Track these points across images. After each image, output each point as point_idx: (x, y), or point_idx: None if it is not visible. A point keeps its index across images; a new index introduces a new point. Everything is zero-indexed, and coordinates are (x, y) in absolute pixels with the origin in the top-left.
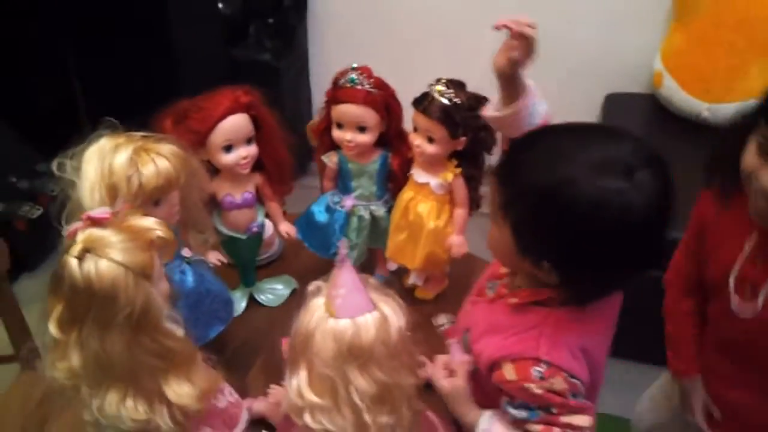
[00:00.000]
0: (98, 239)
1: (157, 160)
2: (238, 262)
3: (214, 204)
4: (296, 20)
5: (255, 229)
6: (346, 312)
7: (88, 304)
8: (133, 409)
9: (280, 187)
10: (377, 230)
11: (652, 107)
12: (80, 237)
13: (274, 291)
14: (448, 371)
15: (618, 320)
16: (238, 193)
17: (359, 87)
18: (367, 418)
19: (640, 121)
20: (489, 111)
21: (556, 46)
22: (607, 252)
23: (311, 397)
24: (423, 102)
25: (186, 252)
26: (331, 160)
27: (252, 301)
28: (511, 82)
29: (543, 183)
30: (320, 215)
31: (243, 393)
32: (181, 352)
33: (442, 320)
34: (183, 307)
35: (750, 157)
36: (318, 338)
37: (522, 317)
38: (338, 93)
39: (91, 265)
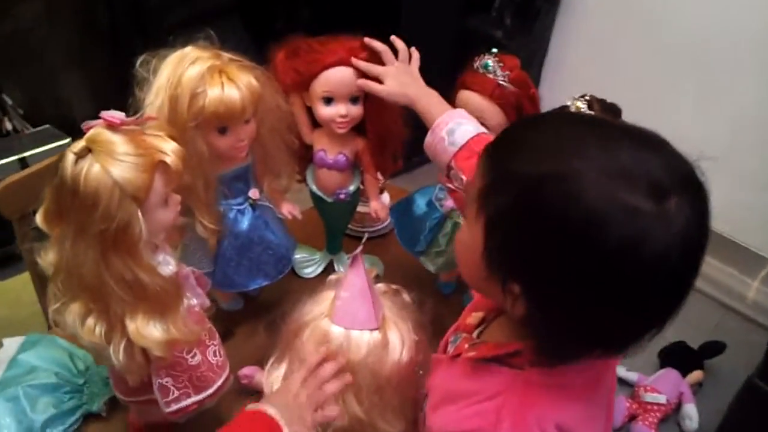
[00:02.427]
0: (102, 143)
1: (227, 85)
2: (324, 224)
3: (311, 155)
4: (546, 3)
5: (342, 197)
6: (342, 319)
7: (70, 204)
8: (91, 329)
9: (380, 161)
10: None
11: None
12: (88, 134)
13: None
14: None
15: None
16: (332, 152)
17: (491, 76)
18: None
19: None
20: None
21: None
22: (594, 284)
23: None
24: None
25: (253, 194)
26: None
27: (331, 269)
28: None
29: (538, 170)
30: (419, 206)
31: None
32: (156, 291)
33: None
34: (229, 247)
35: None
36: (306, 334)
37: (483, 381)
38: (467, 77)
39: (84, 165)
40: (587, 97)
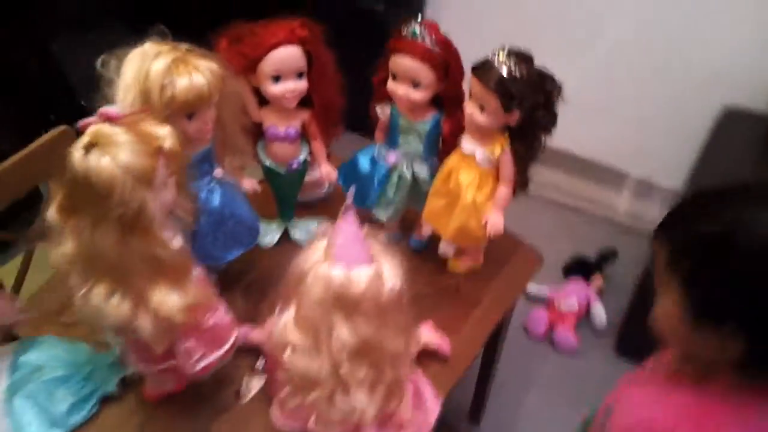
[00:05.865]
0: (106, 136)
1: (193, 74)
2: (276, 195)
3: (260, 132)
4: None
5: (294, 166)
6: (341, 260)
7: (85, 197)
8: (116, 307)
9: (326, 128)
10: (417, 192)
11: None
12: (90, 130)
13: (308, 230)
14: None
15: None
16: (282, 126)
17: (419, 41)
18: (344, 369)
19: (754, 142)
20: None
21: (678, 49)
22: None
23: (295, 335)
24: (481, 68)
25: (218, 173)
26: (383, 111)
27: (286, 236)
28: None
29: (718, 222)
30: (364, 165)
31: (252, 321)
32: (172, 263)
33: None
34: (205, 224)
35: None
36: (310, 279)
37: None
38: (398, 43)
39: (93, 159)
40: (508, 49)
